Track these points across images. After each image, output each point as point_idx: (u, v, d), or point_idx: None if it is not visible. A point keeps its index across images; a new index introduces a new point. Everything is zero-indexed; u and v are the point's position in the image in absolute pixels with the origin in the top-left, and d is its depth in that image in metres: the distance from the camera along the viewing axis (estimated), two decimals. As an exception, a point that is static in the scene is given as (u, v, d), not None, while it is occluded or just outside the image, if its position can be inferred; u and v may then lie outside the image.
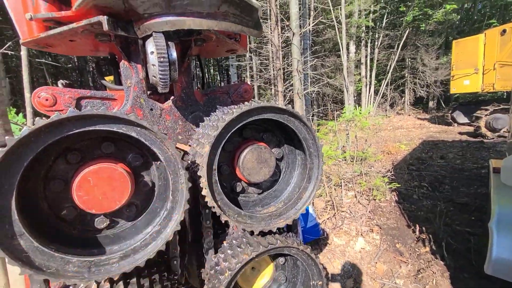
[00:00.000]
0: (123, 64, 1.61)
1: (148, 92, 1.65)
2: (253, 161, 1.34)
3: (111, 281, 1.07)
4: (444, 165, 8.21)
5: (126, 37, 1.50)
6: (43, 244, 0.89)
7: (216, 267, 1.36)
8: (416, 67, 20.61)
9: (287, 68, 8.63)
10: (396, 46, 18.94)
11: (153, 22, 1.25)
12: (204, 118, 1.61)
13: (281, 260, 1.65)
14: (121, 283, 1.06)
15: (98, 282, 1.06)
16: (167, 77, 1.36)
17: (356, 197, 6.07)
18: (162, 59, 1.31)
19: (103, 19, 1.12)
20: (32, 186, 0.99)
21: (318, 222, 4.48)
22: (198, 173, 1.15)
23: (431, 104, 22.07)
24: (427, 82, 20.39)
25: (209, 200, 1.16)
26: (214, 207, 1.17)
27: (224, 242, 1.50)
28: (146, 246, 1.07)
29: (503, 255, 2.49)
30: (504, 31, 11.26)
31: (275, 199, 1.54)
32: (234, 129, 1.18)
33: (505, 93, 16.17)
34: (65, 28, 1.30)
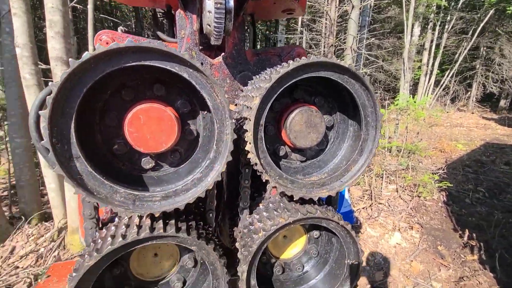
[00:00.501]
0: (179, 13, 1.58)
1: (200, 47, 1.62)
2: (302, 124, 1.24)
3: (152, 218, 1.11)
4: (508, 172, 7.18)
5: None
6: (95, 171, 0.93)
7: (250, 227, 1.34)
8: (492, 58, 17.77)
9: (340, 46, 8.02)
10: (471, 32, 16.40)
11: (214, -36, 1.16)
12: (253, 77, 1.54)
13: (315, 233, 1.58)
14: (161, 221, 1.09)
15: (141, 216, 1.10)
16: (221, 26, 1.29)
17: (397, 191, 5.67)
18: (219, 5, 1.23)
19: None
20: (90, 117, 1.03)
21: (352, 209, 4.30)
22: (245, 127, 1.10)
23: (502, 103, 19.15)
24: (502, 76, 17.56)
25: (252, 156, 1.11)
26: (256, 164, 1.12)
27: (260, 204, 1.47)
28: (187, 191, 1.08)
29: None
30: None
31: (318, 169, 1.44)
32: (288, 84, 1.09)
33: None
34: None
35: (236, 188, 1.56)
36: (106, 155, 1.10)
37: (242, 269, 1.22)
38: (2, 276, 2.79)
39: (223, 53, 1.67)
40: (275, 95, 1.10)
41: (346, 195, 4.18)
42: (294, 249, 1.62)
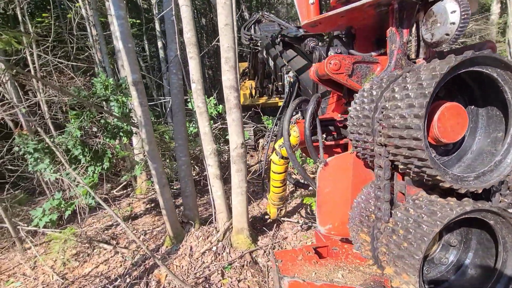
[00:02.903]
0: (390, 30, 1.85)
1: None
2: None
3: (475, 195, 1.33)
4: None
5: (402, 2, 1.73)
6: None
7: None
8: None
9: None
10: None
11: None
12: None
13: None
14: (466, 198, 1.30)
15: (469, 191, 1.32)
16: (462, 33, 1.50)
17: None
18: (466, 15, 1.45)
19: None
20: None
21: None
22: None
23: None
24: None
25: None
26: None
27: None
28: (492, 172, 1.28)
29: None
30: None
31: None
32: None
33: None
34: (356, 4, 1.63)
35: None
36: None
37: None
38: (197, 269, 3.41)
39: (422, 58, 1.88)
40: None
41: None
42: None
